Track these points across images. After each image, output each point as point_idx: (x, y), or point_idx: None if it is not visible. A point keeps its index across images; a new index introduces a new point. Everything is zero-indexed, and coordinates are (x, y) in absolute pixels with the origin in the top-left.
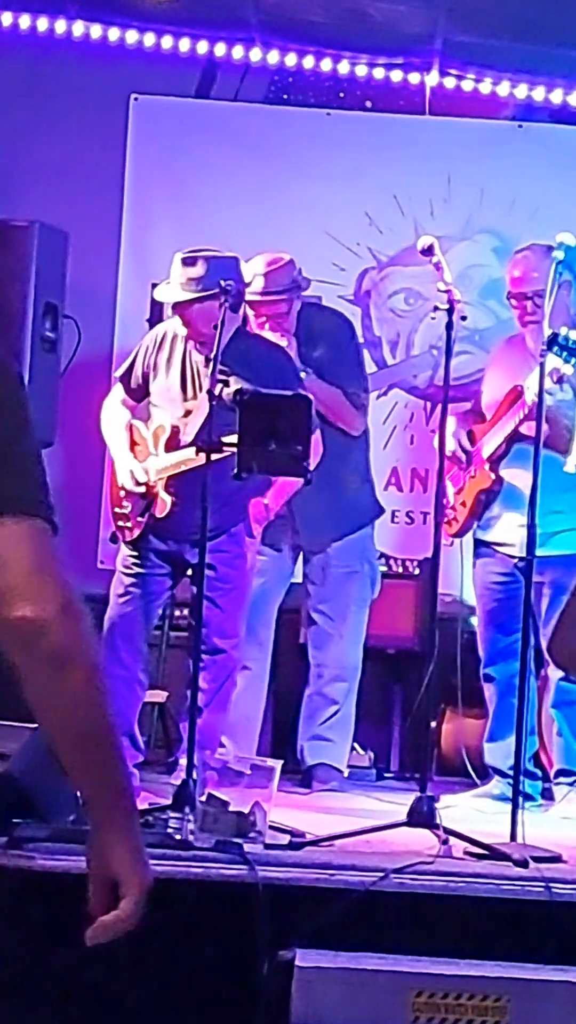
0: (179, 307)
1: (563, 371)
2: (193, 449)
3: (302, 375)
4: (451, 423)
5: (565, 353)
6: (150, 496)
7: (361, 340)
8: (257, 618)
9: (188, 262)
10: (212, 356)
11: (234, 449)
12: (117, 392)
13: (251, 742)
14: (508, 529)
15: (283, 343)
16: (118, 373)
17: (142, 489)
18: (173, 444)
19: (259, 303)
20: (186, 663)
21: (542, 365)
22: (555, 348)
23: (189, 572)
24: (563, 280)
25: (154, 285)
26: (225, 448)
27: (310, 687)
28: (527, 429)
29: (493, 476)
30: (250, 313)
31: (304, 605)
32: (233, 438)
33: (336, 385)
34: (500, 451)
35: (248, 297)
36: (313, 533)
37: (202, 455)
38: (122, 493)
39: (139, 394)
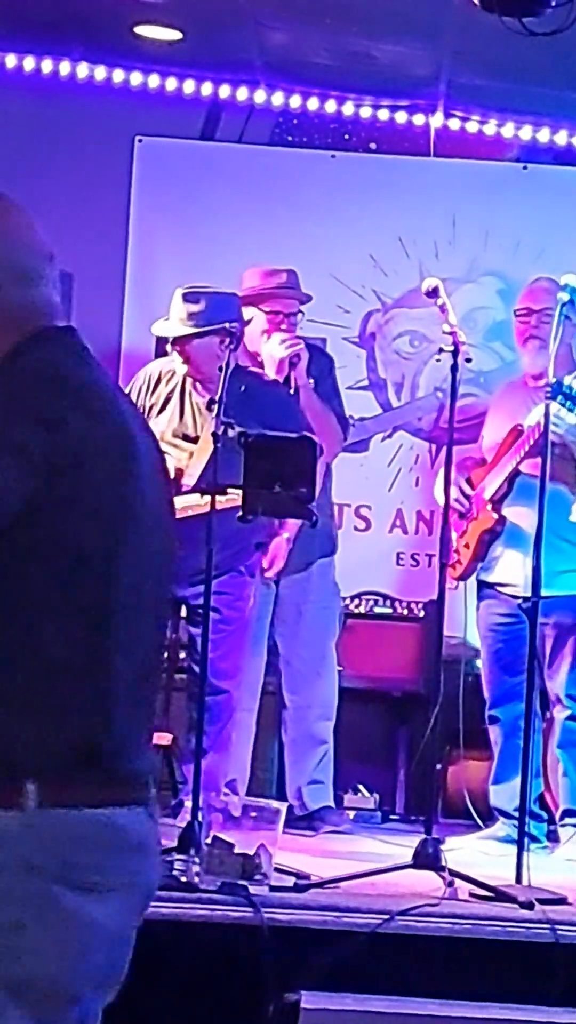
0: (179, 342)
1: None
2: (198, 496)
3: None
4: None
5: (569, 403)
6: None
7: (365, 381)
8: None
9: (189, 298)
10: (215, 398)
11: (239, 496)
12: None
13: (241, 788)
14: (510, 569)
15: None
16: None
17: None
18: (176, 487)
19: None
20: (188, 706)
21: (547, 407)
22: (559, 397)
23: (183, 612)
24: (567, 321)
25: None
26: (230, 492)
27: (291, 730)
28: (527, 467)
29: (496, 516)
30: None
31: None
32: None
33: (326, 403)
34: (502, 491)
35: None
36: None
37: (206, 499)
38: None
39: None
